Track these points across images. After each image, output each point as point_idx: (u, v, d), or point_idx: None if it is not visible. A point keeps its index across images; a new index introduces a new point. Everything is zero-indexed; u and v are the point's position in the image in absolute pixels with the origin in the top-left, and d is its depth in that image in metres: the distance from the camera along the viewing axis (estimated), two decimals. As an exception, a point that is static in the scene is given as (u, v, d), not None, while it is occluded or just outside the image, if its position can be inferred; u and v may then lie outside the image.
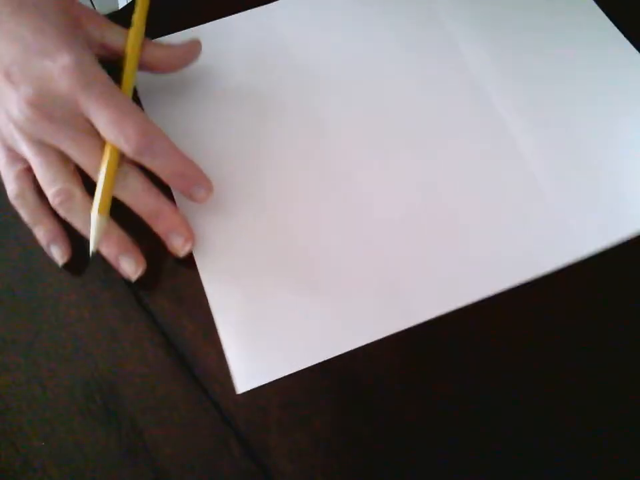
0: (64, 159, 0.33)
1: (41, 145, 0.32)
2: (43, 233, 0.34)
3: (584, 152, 0.37)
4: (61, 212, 0.33)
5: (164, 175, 0.33)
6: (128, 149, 0.31)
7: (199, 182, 0.34)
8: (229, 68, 0.40)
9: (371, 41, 0.41)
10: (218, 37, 0.41)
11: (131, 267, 0.33)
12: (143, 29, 0.36)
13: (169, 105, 0.39)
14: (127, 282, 0.35)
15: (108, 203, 0.32)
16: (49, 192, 0.32)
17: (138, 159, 0.31)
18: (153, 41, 0.37)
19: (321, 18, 0.42)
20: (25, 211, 0.34)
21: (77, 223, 0.33)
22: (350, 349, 0.33)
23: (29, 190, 0.34)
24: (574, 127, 0.38)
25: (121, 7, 0.58)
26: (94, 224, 0.32)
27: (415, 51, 0.41)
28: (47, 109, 0.31)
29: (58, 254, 0.34)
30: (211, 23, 0.42)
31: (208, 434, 0.32)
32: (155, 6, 0.38)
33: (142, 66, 0.36)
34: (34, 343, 0.34)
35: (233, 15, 0.42)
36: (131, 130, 0.30)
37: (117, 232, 0.33)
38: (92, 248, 0.32)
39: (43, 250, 0.35)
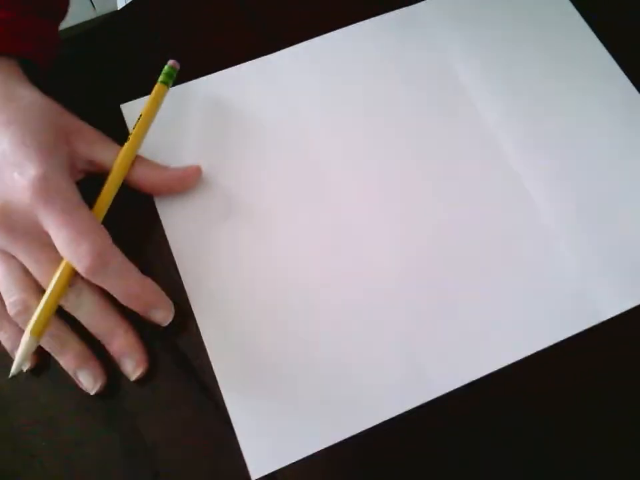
0: (25, 268, 0.32)
1: (2, 253, 0.32)
2: (4, 338, 0.33)
3: (604, 214, 0.36)
4: (19, 322, 0.32)
5: (118, 296, 0.32)
6: (81, 269, 0.30)
7: (157, 304, 0.33)
8: (240, 112, 0.39)
9: (382, 90, 0.40)
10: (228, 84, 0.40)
11: (88, 381, 0.32)
12: (137, 145, 0.35)
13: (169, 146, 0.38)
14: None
15: (44, 323, 0.31)
16: (7, 301, 0.32)
17: (91, 278, 0.31)
18: (149, 159, 0.36)
19: (332, 68, 0.40)
20: None
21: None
22: (365, 429, 0.32)
23: None
24: (597, 188, 0.37)
25: (120, 7, 0.58)
26: (23, 344, 0.31)
27: (425, 99, 0.39)
28: (9, 219, 0.31)
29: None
30: (223, 71, 0.40)
31: (208, 434, 0.32)
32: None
33: (131, 184, 0.35)
34: (34, 343, 0.34)
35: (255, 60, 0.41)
36: (85, 250, 0.30)
37: (75, 345, 0.32)
38: (13, 370, 0.31)
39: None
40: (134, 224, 0.36)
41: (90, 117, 0.35)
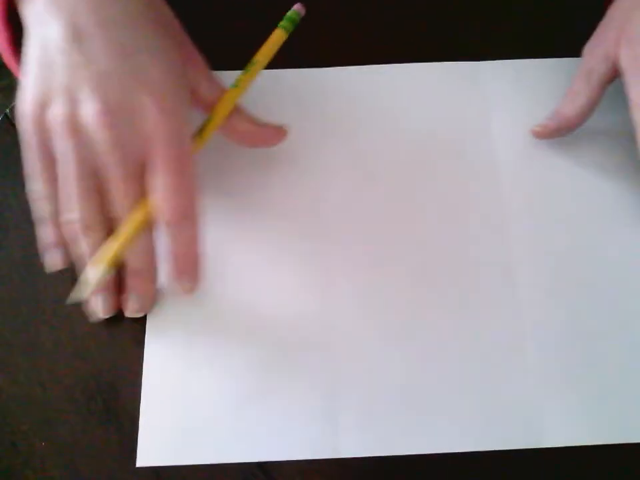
0: (100, 190, 0.31)
1: (86, 165, 0.30)
2: (51, 236, 0.33)
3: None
4: (72, 235, 0.31)
5: (173, 250, 0.31)
6: (166, 216, 0.30)
7: (192, 275, 0.32)
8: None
9: (416, 136, 0.38)
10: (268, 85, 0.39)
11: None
12: (243, 91, 0.34)
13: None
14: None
15: (119, 256, 0.31)
16: (68, 214, 0.31)
17: (165, 227, 0.31)
18: (241, 107, 0.34)
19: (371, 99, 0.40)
20: (47, 211, 0.32)
21: (84, 250, 0.32)
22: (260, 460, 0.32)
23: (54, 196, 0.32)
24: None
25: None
26: (96, 272, 0.30)
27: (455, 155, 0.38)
28: (119, 129, 0.29)
29: (55, 260, 0.33)
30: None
31: (208, 434, 0.32)
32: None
33: (224, 130, 0.34)
34: (34, 343, 0.34)
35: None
36: (178, 202, 0.30)
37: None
38: (83, 295, 0.31)
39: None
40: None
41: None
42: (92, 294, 0.32)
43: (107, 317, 0.33)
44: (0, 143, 0.40)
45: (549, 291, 0.35)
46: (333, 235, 0.36)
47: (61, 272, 0.35)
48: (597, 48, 0.35)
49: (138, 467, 0.31)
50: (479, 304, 0.34)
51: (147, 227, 0.31)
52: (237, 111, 0.34)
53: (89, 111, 0.29)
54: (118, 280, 0.33)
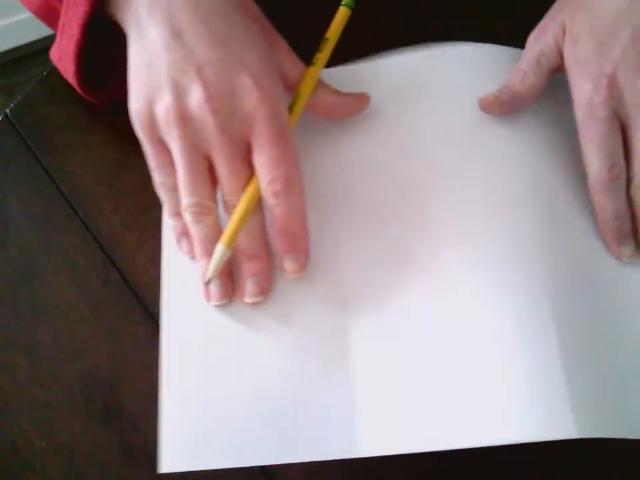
0: (210, 170, 0.32)
1: (191, 148, 0.31)
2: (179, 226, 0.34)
3: None
4: (190, 219, 0.32)
5: (277, 225, 0.32)
6: (270, 189, 0.31)
7: (298, 252, 0.33)
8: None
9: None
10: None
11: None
12: (321, 69, 0.35)
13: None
14: (127, 282, 0.35)
15: (236, 235, 0.32)
16: (187, 199, 0.32)
17: (272, 200, 0.31)
18: (325, 82, 0.36)
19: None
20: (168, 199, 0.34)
21: (201, 233, 0.32)
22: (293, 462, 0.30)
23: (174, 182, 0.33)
24: None
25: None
26: (217, 253, 0.31)
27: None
28: (224, 112, 0.31)
29: (185, 248, 0.34)
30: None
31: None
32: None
33: (309, 106, 0.35)
34: (34, 343, 0.34)
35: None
36: (282, 173, 0.31)
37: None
38: (209, 274, 0.32)
39: (43, 250, 0.35)
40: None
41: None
42: (214, 277, 0.32)
43: (223, 303, 0.33)
44: (0, 143, 0.40)
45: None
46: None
47: (60, 272, 0.35)
48: (546, 36, 0.35)
49: (155, 472, 0.31)
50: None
51: (258, 206, 0.32)
52: (320, 85, 0.35)
53: (194, 98, 0.31)
54: (229, 268, 0.33)
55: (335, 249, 0.35)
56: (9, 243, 0.36)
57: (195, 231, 0.32)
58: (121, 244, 0.36)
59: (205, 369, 0.32)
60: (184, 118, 0.31)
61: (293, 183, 0.31)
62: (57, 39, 0.37)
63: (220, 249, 0.31)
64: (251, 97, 0.31)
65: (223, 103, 0.31)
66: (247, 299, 0.33)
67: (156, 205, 0.34)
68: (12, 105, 0.40)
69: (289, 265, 0.33)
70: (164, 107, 0.31)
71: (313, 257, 0.34)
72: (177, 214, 0.33)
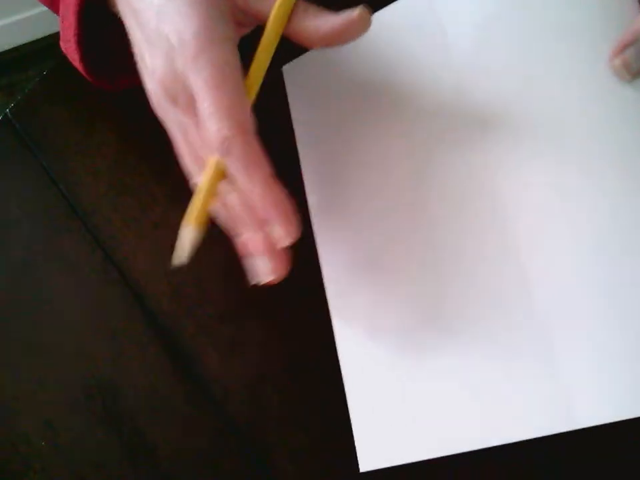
0: None
1: (179, 125, 0.30)
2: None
3: None
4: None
5: (241, 185, 0.28)
6: (213, 147, 0.28)
7: (276, 218, 0.28)
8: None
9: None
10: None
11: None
12: None
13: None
14: (127, 282, 0.35)
15: (205, 213, 0.29)
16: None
17: (222, 158, 0.28)
18: (312, 6, 0.30)
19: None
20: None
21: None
22: (488, 445, 0.29)
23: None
24: None
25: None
26: (186, 236, 0.28)
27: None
28: (170, 88, 0.29)
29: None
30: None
31: (208, 434, 0.32)
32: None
33: (290, 36, 0.30)
34: (34, 343, 0.34)
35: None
36: (217, 128, 0.27)
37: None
38: (183, 259, 0.29)
39: (43, 250, 0.35)
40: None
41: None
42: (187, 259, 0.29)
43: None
44: (0, 143, 0.40)
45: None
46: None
47: (60, 272, 0.35)
48: None
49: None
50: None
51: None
52: (299, 9, 0.30)
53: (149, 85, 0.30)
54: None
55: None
56: (9, 243, 0.36)
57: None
58: (121, 244, 0.36)
59: (384, 362, 0.31)
60: (164, 96, 0.29)
61: (233, 137, 0.27)
62: (60, 31, 0.36)
63: (187, 232, 0.28)
64: (179, 54, 0.28)
65: (164, 74, 0.29)
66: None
67: (156, 205, 0.34)
68: (12, 104, 0.40)
69: (272, 233, 0.29)
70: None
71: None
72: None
